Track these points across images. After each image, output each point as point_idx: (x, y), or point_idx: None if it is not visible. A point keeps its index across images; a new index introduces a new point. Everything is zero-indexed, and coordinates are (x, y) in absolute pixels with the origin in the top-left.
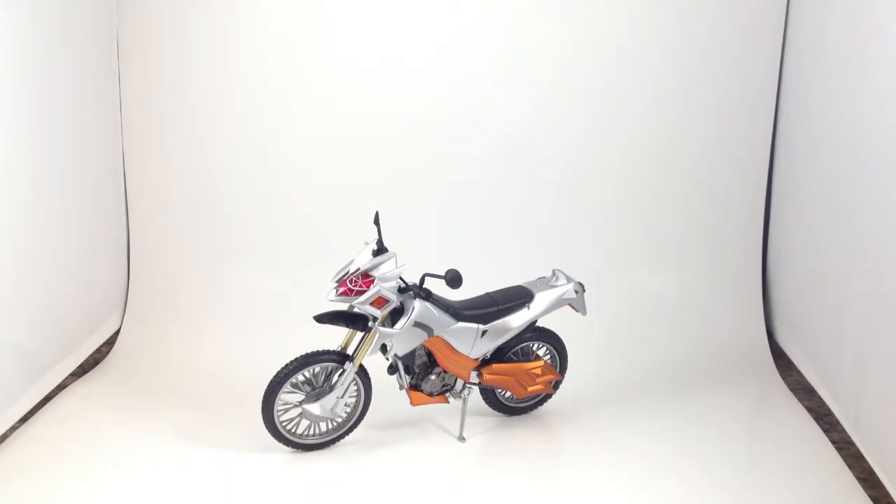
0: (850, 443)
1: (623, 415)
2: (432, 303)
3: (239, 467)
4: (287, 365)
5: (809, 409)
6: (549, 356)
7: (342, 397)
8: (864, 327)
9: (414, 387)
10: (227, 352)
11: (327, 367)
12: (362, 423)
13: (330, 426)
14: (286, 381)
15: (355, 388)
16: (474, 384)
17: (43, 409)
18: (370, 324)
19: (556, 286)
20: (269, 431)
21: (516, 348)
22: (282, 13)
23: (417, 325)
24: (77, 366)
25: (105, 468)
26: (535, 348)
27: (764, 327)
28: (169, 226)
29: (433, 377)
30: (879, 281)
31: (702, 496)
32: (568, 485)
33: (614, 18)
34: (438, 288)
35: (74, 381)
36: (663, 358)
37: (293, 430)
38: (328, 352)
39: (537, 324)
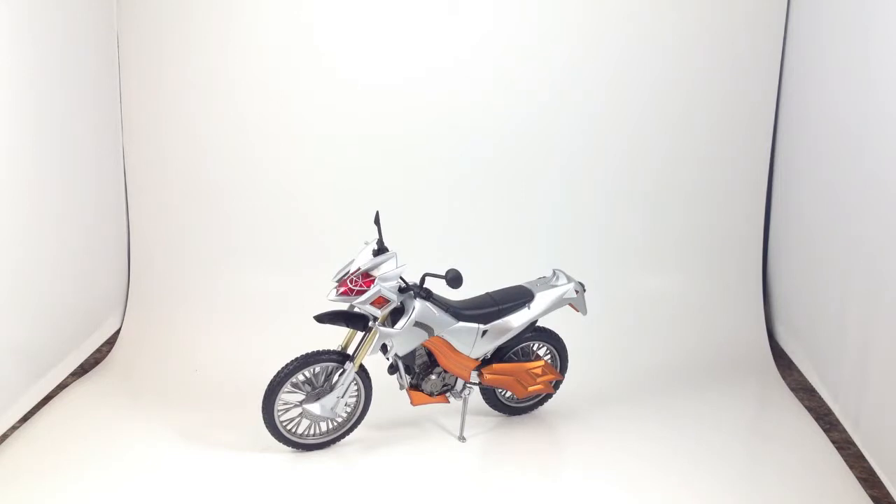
0: (851, 443)
1: (623, 414)
2: (433, 302)
3: (239, 467)
4: (287, 365)
5: (810, 409)
6: (549, 356)
7: (342, 397)
8: (864, 327)
9: (414, 387)
10: (228, 352)
11: (327, 367)
12: (362, 423)
13: (330, 426)
14: (286, 380)
15: (355, 387)
16: (475, 384)
17: (43, 409)
18: (370, 323)
19: (556, 286)
20: (270, 431)
21: (517, 348)
22: (282, 14)
23: (418, 324)
24: (77, 365)
25: (105, 468)
26: (535, 348)
27: (764, 327)
28: (169, 226)
29: (433, 377)
30: (879, 281)
31: (702, 496)
32: (568, 485)
33: (615, 19)
34: (439, 288)
35: (75, 380)
36: (663, 358)
37: (293, 430)
38: (328, 351)
39: (538, 324)
